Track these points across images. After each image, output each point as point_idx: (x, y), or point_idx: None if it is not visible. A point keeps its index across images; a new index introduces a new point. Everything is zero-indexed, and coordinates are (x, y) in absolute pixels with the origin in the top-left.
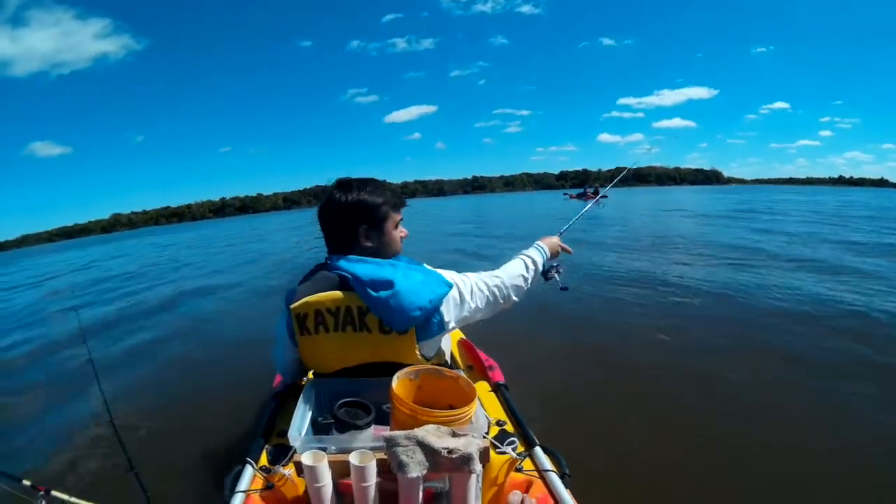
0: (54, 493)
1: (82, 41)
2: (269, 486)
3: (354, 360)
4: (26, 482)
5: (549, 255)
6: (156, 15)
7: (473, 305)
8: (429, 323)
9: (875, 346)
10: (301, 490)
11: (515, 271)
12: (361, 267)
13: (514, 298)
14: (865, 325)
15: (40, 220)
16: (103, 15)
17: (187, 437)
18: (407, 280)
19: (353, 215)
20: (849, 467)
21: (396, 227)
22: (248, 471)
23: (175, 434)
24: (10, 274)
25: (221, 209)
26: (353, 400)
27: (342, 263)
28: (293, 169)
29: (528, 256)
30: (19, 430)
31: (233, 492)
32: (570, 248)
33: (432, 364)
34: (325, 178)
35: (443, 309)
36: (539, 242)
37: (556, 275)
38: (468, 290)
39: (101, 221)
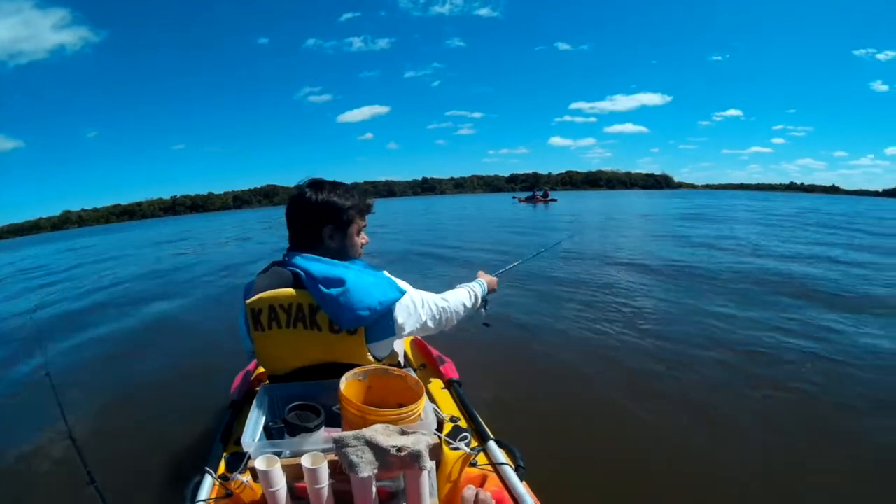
0: None
1: (41, 32)
2: (228, 494)
3: (306, 360)
4: None
5: (486, 290)
6: (114, 6)
7: (423, 318)
8: (379, 325)
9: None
10: (259, 495)
11: (460, 299)
12: (315, 265)
13: (454, 322)
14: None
15: None
16: (63, 5)
17: (147, 447)
18: (358, 280)
19: (321, 215)
20: (782, 466)
21: (359, 232)
22: (208, 480)
23: (135, 445)
24: None
25: (172, 207)
26: (303, 403)
27: (298, 261)
28: (244, 168)
29: (472, 289)
30: None
31: (193, 502)
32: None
33: (383, 364)
34: (277, 177)
35: (396, 314)
36: (480, 278)
37: (483, 310)
38: (420, 302)
39: (52, 219)
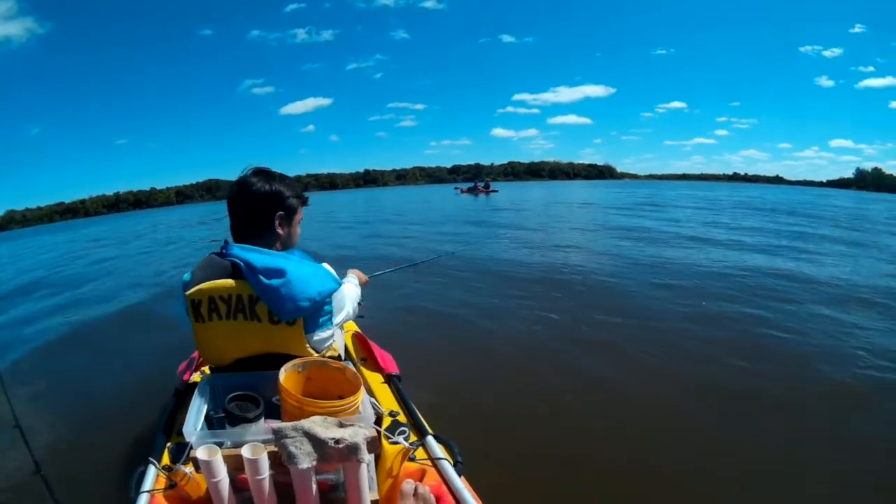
0: None
1: None
2: (171, 485)
3: (246, 351)
4: None
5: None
6: None
7: (350, 309)
8: (317, 315)
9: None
10: (203, 487)
11: (354, 291)
12: (255, 255)
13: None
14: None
15: None
16: None
17: (94, 437)
18: (298, 271)
19: (273, 203)
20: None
21: (299, 222)
22: (152, 470)
23: (82, 435)
24: None
25: (115, 204)
26: (243, 393)
27: (236, 251)
28: (187, 162)
29: (353, 283)
30: None
31: (137, 492)
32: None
33: (322, 357)
34: (218, 171)
35: (333, 305)
36: (352, 273)
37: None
38: (348, 292)
39: None
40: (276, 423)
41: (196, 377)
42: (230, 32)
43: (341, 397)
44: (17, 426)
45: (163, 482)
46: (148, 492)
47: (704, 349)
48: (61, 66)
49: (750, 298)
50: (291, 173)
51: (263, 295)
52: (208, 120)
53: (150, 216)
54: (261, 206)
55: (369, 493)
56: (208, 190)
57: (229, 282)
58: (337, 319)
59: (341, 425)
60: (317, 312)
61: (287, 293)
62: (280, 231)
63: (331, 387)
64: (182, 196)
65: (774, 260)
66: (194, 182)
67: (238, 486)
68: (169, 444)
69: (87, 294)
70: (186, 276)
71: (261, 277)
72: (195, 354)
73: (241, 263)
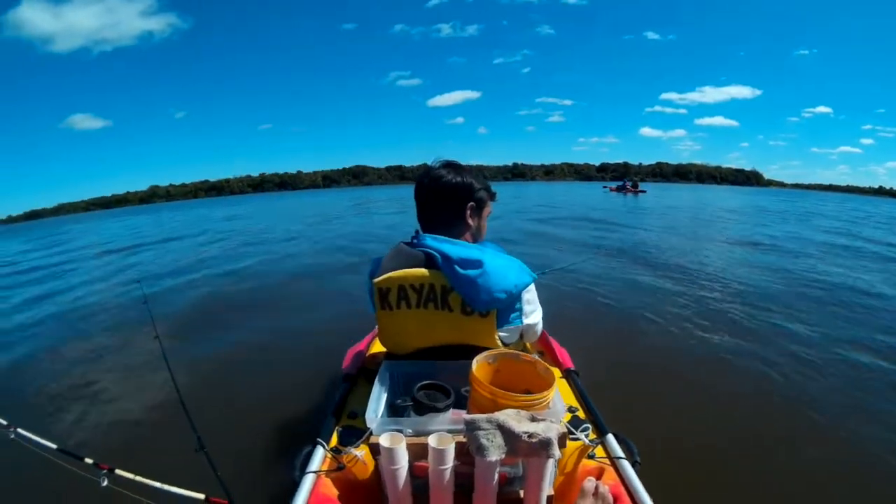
0: (118, 471)
1: (126, 19)
2: (340, 467)
3: (433, 340)
4: (89, 460)
5: None
6: None
7: (540, 313)
8: (510, 309)
9: None
10: (369, 470)
11: None
12: (450, 247)
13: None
14: None
15: (78, 191)
16: None
17: (257, 416)
18: (494, 262)
19: (463, 194)
20: None
21: (487, 216)
22: (319, 451)
23: (245, 413)
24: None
25: (260, 185)
26: (433, 382)
27: (429, 242)
28: (332, 148)
29: None
30: (82, 407)
31: (303, 472)
32: None
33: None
34: (364, 158)
35: (524, 299)
36: None
37: None
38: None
39: (138, 193)
40: (463, 415)
41: (368, 364)
42: (373, 26)
43: (528, 391)
44: (180, 403)
45: (330, 464)
46: (314, 472)
47: None
48: (205, 58)
49: None
50: None
51: (459, 286)
52: (354, 109)
53: (308, 196)
54: (452, 197)
55: (547, 489)
56: (355, 175)
57: (422, 271)
58: (528, 320)
59: (533, 419)
60: (510, 306)
61: (484, 284)
62: (470, 222)
63: (517, 380)
64: (328, 180)
65: None
66: (341, 167)
67: (414, 473)
68: (338, 427)
69: (254, 269)
70: (374, 265)
71: (456, 268)
72: (367, 340)
73: (437, 254)
